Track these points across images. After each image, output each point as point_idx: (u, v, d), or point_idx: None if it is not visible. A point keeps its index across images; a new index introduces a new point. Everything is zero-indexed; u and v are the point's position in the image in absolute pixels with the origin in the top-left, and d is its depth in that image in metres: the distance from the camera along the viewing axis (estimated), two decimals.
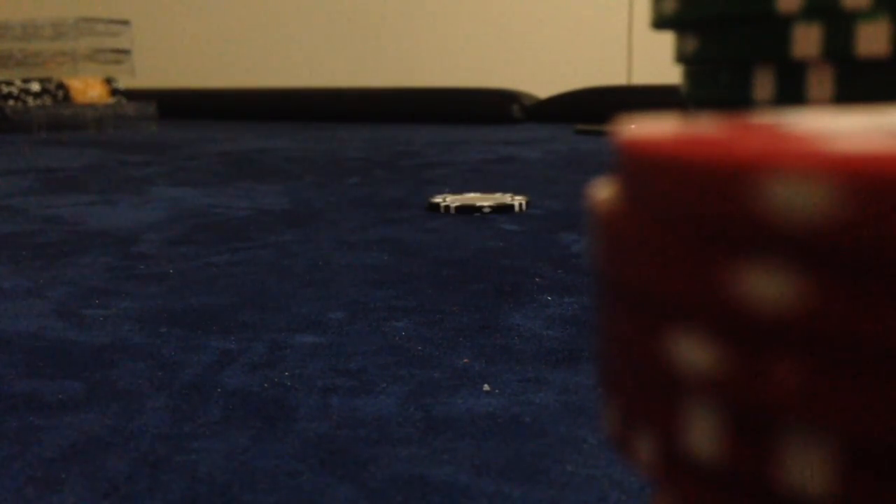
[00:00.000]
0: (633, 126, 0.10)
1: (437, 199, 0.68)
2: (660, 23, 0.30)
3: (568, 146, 1.22)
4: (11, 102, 1.67)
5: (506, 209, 0.66)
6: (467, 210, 0.65)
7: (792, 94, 0.27)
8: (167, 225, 0.63)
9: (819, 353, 0.07)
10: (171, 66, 2.43)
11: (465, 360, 0.32)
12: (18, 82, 1.70)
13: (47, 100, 1.72)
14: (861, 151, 0.08)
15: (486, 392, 0.29)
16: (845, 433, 0.07)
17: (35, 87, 1.70)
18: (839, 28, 0.25)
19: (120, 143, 1.43)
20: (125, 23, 1.87)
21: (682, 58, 0.31)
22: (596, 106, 1.71)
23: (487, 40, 2.09)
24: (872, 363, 0.07)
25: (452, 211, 0.65)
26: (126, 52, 1.87)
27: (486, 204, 0.65)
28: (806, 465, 0.08)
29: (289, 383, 0.30)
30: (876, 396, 0.07)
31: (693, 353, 0.08)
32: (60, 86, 1.74)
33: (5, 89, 1.67)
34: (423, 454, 0.24)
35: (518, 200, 0.67)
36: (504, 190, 0.78)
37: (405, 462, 0.24)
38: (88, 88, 1.77)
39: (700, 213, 0.08)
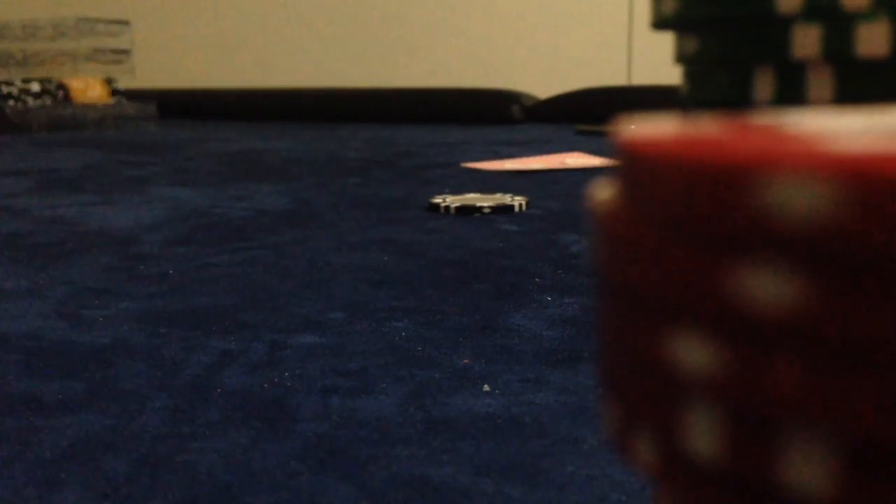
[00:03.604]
0: (633, 126, 0.10)
1: (437, 200, 0.68)
2: (660, 23, 0.30)
3: (568, 146, 1.22)
4: (11, 102, 1.67)
5: (506, 209, 0.66)
6: (467, 210, 0.65)
7: (792, 94, 0.27)
8: (167, 225, 0.63)
9: (819, 354, 0.07)
10: (171, 66, 2.43)
11: (465, 361, 0.32)
12: (18, 82, 1.70)
13: (47, 100, 1.71)
14: (861, 151, 0.08)
15: (486, 392, 0.29)
16: (845, 433, 0.07)
17: (35, 87, 1.70)
18: (839, 28, 0.25)
19: (120, 143, 1.43)
20: (125, 23, 1.87)
21: (682, 58, 0.31)
22: (596, 106, 1.71)
23: (487, 40, 2.09)
24: (872, 363, 0.07)
25: (452, 211, 0.65)
26: (126, 52, 1.87)
27: (486, 204, 0.65)
28: (806, 465, 0.08)
29: (289, 383, 0.30)
30: (876, 396, 0.07)
31: (693, 353, 0.08)
32: (60, 86, 1.74)
33: (5, 89, 1.67)
34: (423, 454, 0.24)
35: (518, 200, 0.67)
36: (504, 190, 0.78)
37: (405, 462, 0.24)
38: (88, 88, 1.77)
39: (700, 213, 0.08)
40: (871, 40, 0.25)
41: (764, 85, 0.27)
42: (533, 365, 0.31)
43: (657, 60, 1.89)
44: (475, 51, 2.10)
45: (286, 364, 0.32)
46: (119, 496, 0.22)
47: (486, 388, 0.29)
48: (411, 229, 0.59)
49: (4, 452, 0.25)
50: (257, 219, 0.65)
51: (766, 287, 0.08)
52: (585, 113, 1.72)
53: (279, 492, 0.22)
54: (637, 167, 0.09)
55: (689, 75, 0.31)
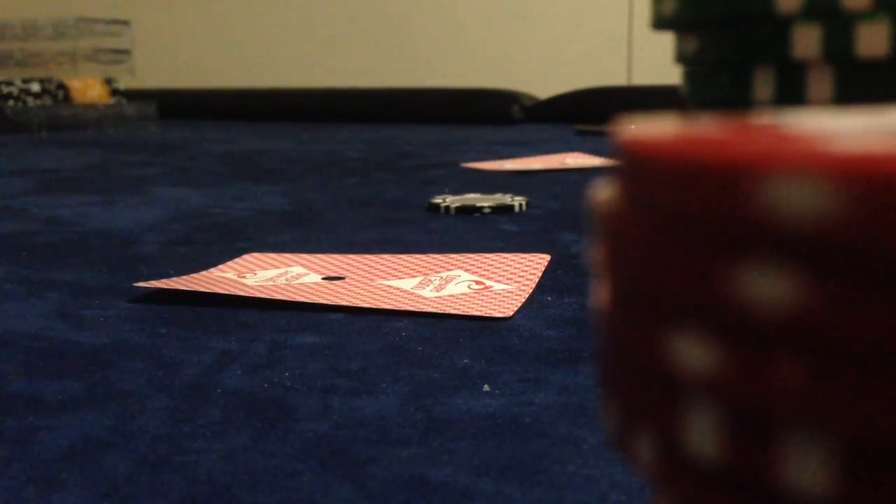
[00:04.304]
0: (633, 126, 0.10)
1: (437, 200, 0.68)
2: (660, 23, 0.30)
3: (568, 146, 1.22)
4: (11, 102, 1.67)
5: (506, 209, 0.66)
6: (467, 210, 0.65)
7: (792, 94, 0.27)
8: (167, 225, 0.63)
9: (819, 354, 0.07)
10: (171, 66, 2.43)
11: (466, 361, 0.32)
12: (18, 82, 1.70)
13: (47, 100, 1.71)
14: (861, 151, 0.08)
15: (486, 392, 0.29)
16: (845, 433, 0.07)
17: (35, 87, 1.70)
18: (839, 28, 0.25)
19: (120, 143, 1.43)
20: (125, 23, 1.87)
21: (682, 58, 0.31)
22: (596, 106, 1.71)
23: (487, 40, 2.09)
24: (872, 363, 0.07)
25: (452, 211, 0.65)
26: (126, 52, 1.87)
27: (486, 204, 0.65)
28: (806, 465, 0.08)
29: (289, 383, 0.30)
30: (876, 396, 0.07)
31: (693, 353, 0.08)
32: (60, 86, 1.74)
33: (5, 89, 1.67)
34: (423, 454, 0.24)
35: (518, 200, 0.67)
36: (504, 190, 0.78)
37: (405, 462, 0.24)
38: (88, 88, 1.77)
39: (700, 213, 0.08)
40: (871, 40, 0.25)
41: (764, 85, 0.27)
42: (533, 365, 0.31)
43: (657, 60, 1.89)
44: (475, 51, 2.10)
45: (286, 364, 0.32)
46: (119, 496, 0.22)
47: (486, 388, 0.29)
48: (411, 229, 0.59)
49: (4, 452, 0.25)
50: (257, 219, 0.65)
51: (767, 287, 0.08)
52: (585, 113, 1.72)
53: (279, 492, 0.22)
54: (637, 167, 0.09)
55: (689, 75, 0.31)
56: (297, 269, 0.46)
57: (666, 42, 1.88)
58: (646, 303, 0.09)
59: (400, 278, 0.44)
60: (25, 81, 1.70)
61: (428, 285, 0.42)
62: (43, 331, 0.37)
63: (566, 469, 0.23)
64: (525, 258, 0.47)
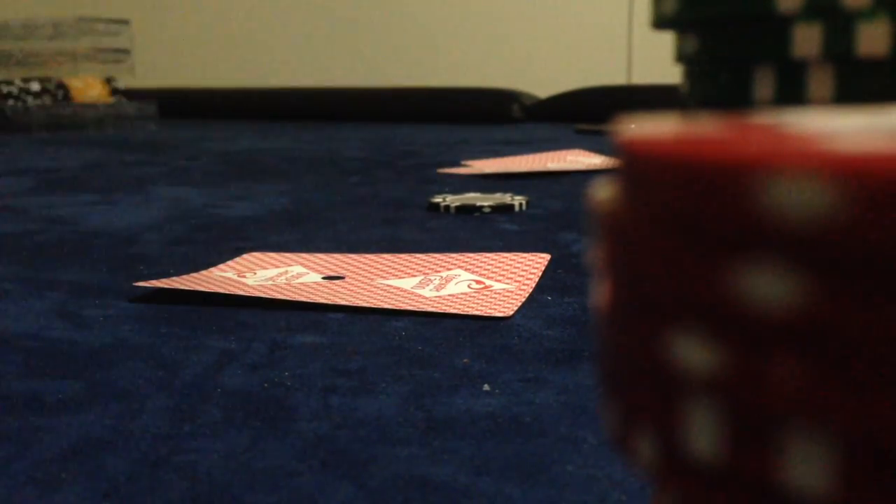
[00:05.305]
0: (633, 126, 0.10)
1: (437, 199, 0.68)
2: (660, 23, 0.30)
3: (568, 146, 1.22)
4: (11, 102, 1.67)
5: (506, 209, 0.66)
6: (467, 210, 0.65)
7: (792, 94, 0.27)
8: (167, 225, 0.63)
9: (819, 354, 0.07)
10: (171, 66, 2.43)
11: (466, 361, 0.32)
12: (18, 82, 1.69)
13: (47, 100, 1.71)
14: (861, 151, 0.08)
15: (486, 392, 0.29)
16: (845, 433, 0.07)
17: (35, 86, 1.70)
18: (839, 28, 0.25)
19: (120, 143, 1.43)
20: (125, 23, 1.87)
21: (682, 58, 0.31)
22: (596, 106, 1.71)
23: (487, 40, 2.09)
24: (873, 363, 0.07)
25: (452, 211, 0.65)
26: (126, 51, 1.86)
27: (486, 204, 0.65)
28: (806, 466, 0.08)
29: (289, 383, 0.30)
30: (876, 396, 0.07)
31: (693, 353, 0.08)
32: (60, 86, 1.73)
33: (5, 89, 1.67)
34: (423, 454, 0.24)
35: (518, 200, 0.67)
36: (504, 190, 0.78)
37: (405, 462, 0.24)
38: (88, 88, 1.77)
39: (700, 213, 0.08)
40: (871, 40, 0.25)
41: (764, 85, 0.27)
42: (533, 365, 0.31)
43: (657, 60, 1.89)
44: (475, 51, 2.10)
45: (286, 364, 0.32)
46: (119, 496, 0.22)
47: (486, 387, 0.29)
48: (411, 229, 0.59)
49: (4, 452, 0.25)
50: (257, 219, 0.65)
51: (766, 287, 0.08)
52: (585, 112, 1.72)
53: (279, 492, 0.22)
54: (637, 167, 0.09)
55: (689, 75, 0.31)
56: (297, 269, 0.46)
57: (666, 42, 1.88)
58: (646, 303, 0.09)
59: (400, 278, 0.44)
60: (25, 81, 1.70)
61: (428, 285, 0.42)
62: (43, 331, 0.37)
63: (566, 469, 0.23)
64: (525, 258, 0.47)
